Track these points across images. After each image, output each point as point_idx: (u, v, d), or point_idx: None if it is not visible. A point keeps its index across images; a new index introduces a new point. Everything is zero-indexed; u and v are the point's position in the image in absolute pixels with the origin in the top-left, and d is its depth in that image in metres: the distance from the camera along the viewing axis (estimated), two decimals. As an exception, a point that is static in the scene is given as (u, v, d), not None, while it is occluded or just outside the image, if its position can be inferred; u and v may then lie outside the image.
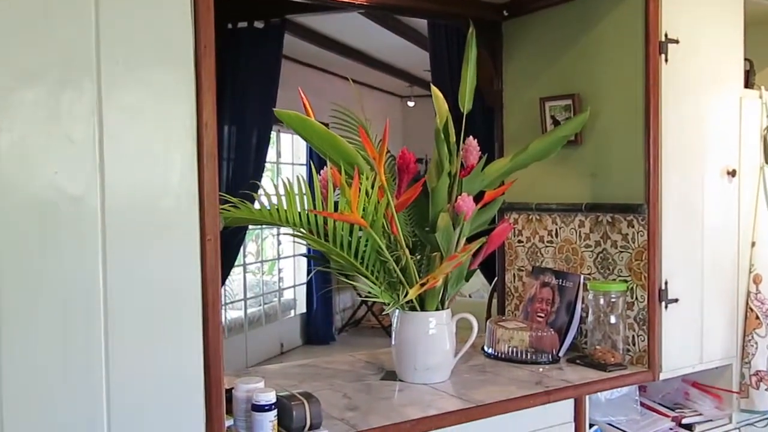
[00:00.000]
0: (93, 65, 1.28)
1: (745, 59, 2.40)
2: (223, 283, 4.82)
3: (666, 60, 2.13)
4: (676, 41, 2.14)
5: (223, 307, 6.00)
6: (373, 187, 1.85)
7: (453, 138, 2.10)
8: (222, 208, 1.76)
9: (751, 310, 2.40)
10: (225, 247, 4.05)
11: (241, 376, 1.71)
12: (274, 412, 1.56)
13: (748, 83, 2.46)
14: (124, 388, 1.33)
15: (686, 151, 2.22)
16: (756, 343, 2.39)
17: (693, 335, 2.28)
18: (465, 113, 2.13)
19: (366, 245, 1.91)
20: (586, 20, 2.30)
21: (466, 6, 2.46)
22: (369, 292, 1.93)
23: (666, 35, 2.13)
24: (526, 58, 2.54)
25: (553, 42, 2.42)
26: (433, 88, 2.22)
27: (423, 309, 2.01)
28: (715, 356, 2.35)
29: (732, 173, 2.33)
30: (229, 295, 6.23)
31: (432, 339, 2.01)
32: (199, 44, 1.39)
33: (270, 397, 1.56)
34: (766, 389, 2.37)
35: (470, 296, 6.51)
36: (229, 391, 1.62)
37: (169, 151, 1.37)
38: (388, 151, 2.20)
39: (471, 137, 2.11)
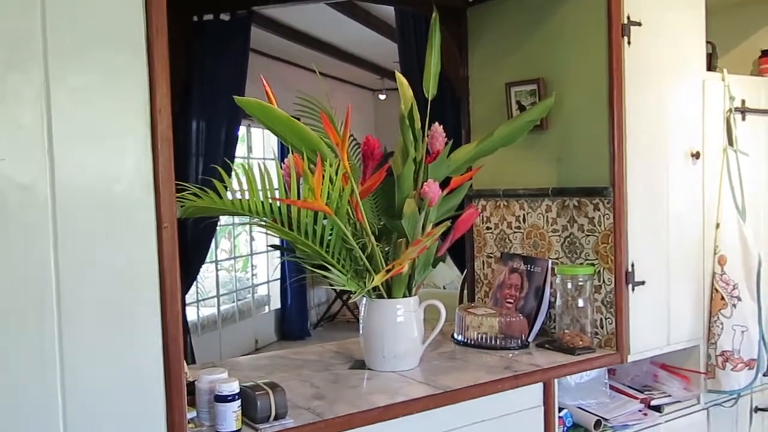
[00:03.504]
0: (39, 45, 1.24)
1: (708, 42, 2.42)
2: (195, 279, 4.76)
3: (629, 43, 2.13)
4: (639, 24, 2.15)
5: (196, 304, 5.96)
6: (337, 173, 1.83)
7: (418, 124, 2.08)
8: (183, 197, 1.73)
9: (717, 291, 2.42)
10: (195, 242, 4.00)
11: (206, 368, 1.68)
12: (238, 403, 1.53)
13: (711, 66, 2.47)
14: (80, 381, 1.29)
15: (650, 133, 2.23)
16: (722, 323, 2.41)
17: (660, 317, 2.29)
18: (430, 99, 2.12)
19: (331, 233, 1.89)
20: (549, 4, 2.30)
21: (429, -8, 2.45)
22: (344, 285, 1.90)
23: (628, 18, 2.13)
24: (491, 44, 2.54)
25: (518, 27, 2.42)
26: (398, 74, 2.20)
27: (390, 296, 1.99)
28: (682, 338, 2.37)
29: (696, 155, 2.34)
30: (201, 292, 6.17)
31: (400, 326, 1.99)
32: (150, 27, 1.35)
33: (233, 387, 1.53)
34: (732, 369, 2.39)
35: (444, 287, 6.51)
36: (192, 384, 1.60)
37: (121, 136, 1.33)
38: (355, 139, 2.18)
39: (436, 123, 2.10)
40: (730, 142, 2.43)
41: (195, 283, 5.15)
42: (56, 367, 1.27)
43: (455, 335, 2.35)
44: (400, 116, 2.08)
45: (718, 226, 2.42)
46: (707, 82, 2.38)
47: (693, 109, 2.35)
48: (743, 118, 2.47)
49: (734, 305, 2.41)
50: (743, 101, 2.47)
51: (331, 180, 1.81)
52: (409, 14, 3.41)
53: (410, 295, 2.03)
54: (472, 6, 2.56)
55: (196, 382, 1.59)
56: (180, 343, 1.40)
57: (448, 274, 6.26)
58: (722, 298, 2.41)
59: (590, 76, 2.19)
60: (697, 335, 2.41)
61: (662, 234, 2.28)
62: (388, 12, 4.88)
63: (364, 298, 2.01)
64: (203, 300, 6.20)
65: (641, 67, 2.18)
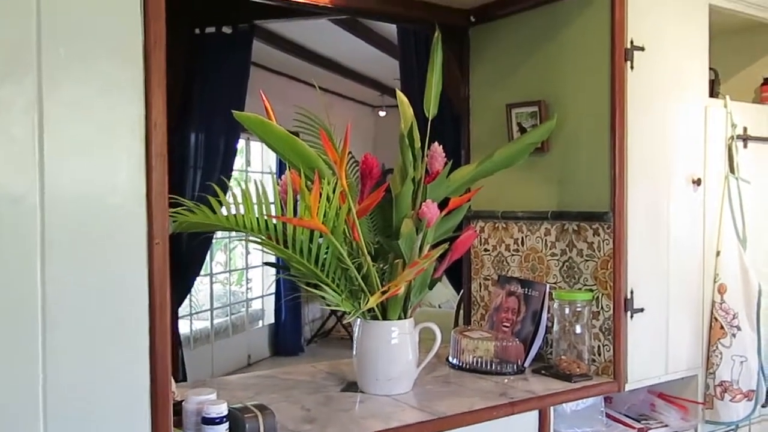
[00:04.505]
0: (33, 56, 1.22)
1: (710, 68, 2.40)
2: (189, 292, 4.72)
3: (632, 67, 2.11)
4: (642, 48, 2.13)
5: (189, 317, 5.91)
6: (334, 192, 1.80)
7: (418, 143, 2.06)
8: (176, 212, 1.70)
9: (716, 319, 2.39)
10: (190, 254, 3.96)
11: (195, 387, 1.64)
12: (226, 425, 1.50)
13: (713, 92, 2.46)
14: (64, 401, 1.26)
15: (652, 158, 2.21)
16: (721, 353, 2.37)
17: (659, 345, 2.26)
18: (430, 119, 2.10)
19: (327, 252, 1.86)
20: (552, 27, 2.29)
21: (432, 11, 2.43)
22: (336, 304, 1.87)
23: (632, 42, 2.11)
24: (492, 65, 2.52)
25: (520, 48, 2.41)
26: (399, 93, 2.18)
27: (385, 318, 1.96)
28: (680, 367, 2.33)
29: (697, 182, 2.32)
30: (195, 306, 6.12)
31: (394, 349, 1.96)
32: (148, 39, 1.33)
33: (221, 409, 1.49)
34: (730, 400, 2.36)
35: (439, 306, 6.47)
36: (179, 404, 1.56)
37: (115, 150, 1.31)
38: (353, 157, 2.15)
39: (436, 143, 2.08)
40: (732, 170, 2.41)
41: (189, 295, 5.12)
42: (39, 383, 1.24)
43: (450, 358, 2.31)
44: (399, 135, 2.06)
45: (718, 254, 2.39)
46: (709, 109, 2.37)
47: (695, 136, 2.33)
48: (745, 146, 2.45)
49: (734, 335, 2.37)
50: (745, 128, 2.45)
51: (328, 198, 1.78)
52: (411, 32, 3.40)
53: (406, 317, 1.99)
54: (474, 26, 2.54)
55: (183, 403, 1.55)
56: (168, 361, 1.37)
57: (444, 293, 6.22)
58: (722, 327, 2.38)
59: (592, 100, 2.17)
60: (695, 364, 2.37)
61: (662, 261, 2.25)
62: (389, 29, 4.88)
63: (359, 319, 1.97)
64: (197, 313, 6.15)
65: (643, 91, 2.16)
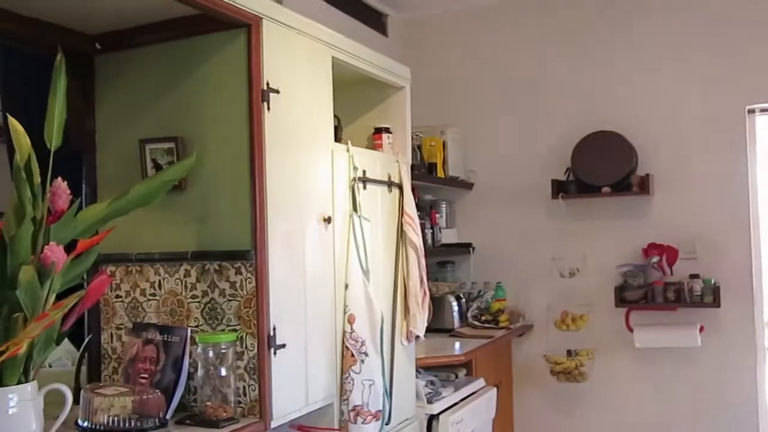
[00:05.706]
0: None
1: (334, 116, 2.60)
2: None
3: (268, 109, 2.17)
4: (277, 91, 2.20)
5: None
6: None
7: (37, 178, 1.80)
8: None
9: (347, 348, 2.55)
10: None
11: None
12: None
13: (337, 138, 2.66)
14: None
15: (289, 198, 2.29)
16: (352, 379, 2.54)
17: (299, 379, 2.32)
18: (53, 151, 1.85)
19: None
20: (190, 62, 2.23)
21: (50, 32, 2.18)
22: None
23: (268, 84, 2.17)
24: (124, 97, 2.35)
25: (155, 81, 2.29)
26: (12, 120, 1.88)
27: (1, 384, 1.64)
28: (318, 397, 2.43)
29: (327, 220, 2.47)
30: None
31: (14, 420, 1.64)
32: None
33: None
34: (362, 422, 2.53)
35: (50, 366, 5.75)
36: None
37: None
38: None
39: (59, 179, 1.84)
40: (355, 209, 2.63)
41: None
42: None
43: (80, 422, 2.04)
44: (15, 168, 1.77)
45: (347, 286, 2.57)
46: (335, 153, 2.55)
47: (324, 177, 2.49)
48: (365, 187, 2.71)
49: (362, 361, 2.56)
50: (364, 171, 2.71)
51: None
52: (18, 57, 3.01)
53: (27, 381, 1.69)
54: (101, 54, 2.35)
55: None
56: None
57: (57, 349, 5.54)
58: (352, 355, 2.55)
59: (232, 138, 2.17)
60: (331, 393, 2.50)
61: (301, 296, 2.33)
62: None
63: (-38, 390, 1.61)
64: None
65: (280, 133, 2.23)
